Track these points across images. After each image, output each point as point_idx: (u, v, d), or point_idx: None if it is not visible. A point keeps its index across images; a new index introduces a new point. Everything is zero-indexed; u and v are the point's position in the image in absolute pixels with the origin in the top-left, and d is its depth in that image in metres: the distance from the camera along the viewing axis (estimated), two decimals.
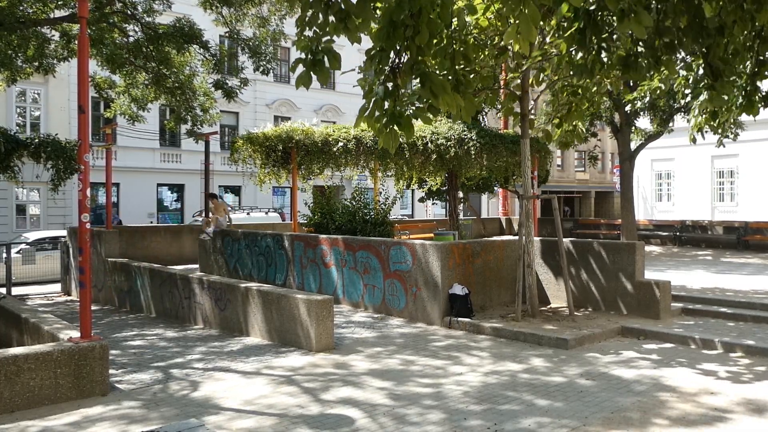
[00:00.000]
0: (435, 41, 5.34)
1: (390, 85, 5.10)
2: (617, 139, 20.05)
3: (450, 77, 6.06)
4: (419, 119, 5.37)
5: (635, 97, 15.80)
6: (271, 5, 16.09)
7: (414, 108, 5.37)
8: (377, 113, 5.12)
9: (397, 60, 5.13)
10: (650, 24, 4.94)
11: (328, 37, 4.87)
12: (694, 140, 8.66)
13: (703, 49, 5.95)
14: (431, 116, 5.41)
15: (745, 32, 5.79)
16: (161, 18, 15.70)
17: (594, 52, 5.56)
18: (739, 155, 28.91)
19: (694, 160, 30.57)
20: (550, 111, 10.04)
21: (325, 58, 4.89)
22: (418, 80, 5.18)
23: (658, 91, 9.35)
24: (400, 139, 5.26)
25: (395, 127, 5.08)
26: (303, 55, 4.95)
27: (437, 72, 6.09)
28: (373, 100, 5.11)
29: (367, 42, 5.00)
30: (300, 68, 4.97)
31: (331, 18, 4.73)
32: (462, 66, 6.32)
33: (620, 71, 6.10)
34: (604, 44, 5.49)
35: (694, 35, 5.54)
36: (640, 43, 5.72)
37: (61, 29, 14.87)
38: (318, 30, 4.82)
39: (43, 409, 5.66)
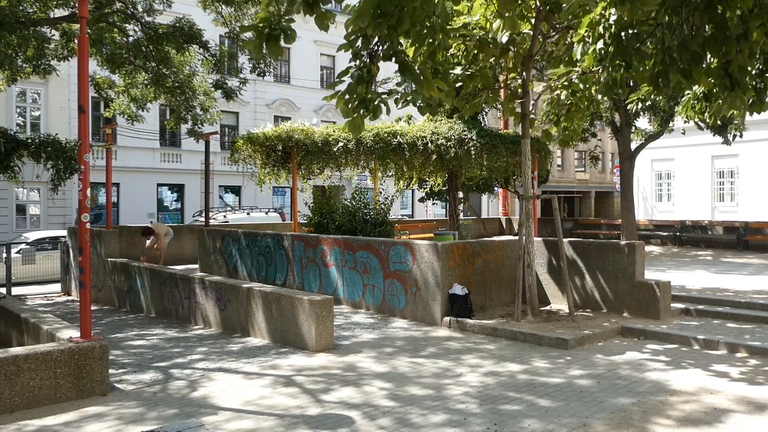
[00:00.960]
0: (416, 30, 5.37)
1: (365, 72, 5.14)
2: (617, 139, 20.05)
3: (429, 66, 6.09)
4: (384, 106, 5.44)
5: (637, 99, 15.80)
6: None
7: (386, 96, 5.42)
8: (348, 96, 5.17)
9: (376, 47, 5.16)
10: (656, 4, 4.89)
11: (290, 16, 4.89)
12: (683, 132, 8.63)
13: (724, 60, 5.90)
14: (420, 103, 5.51)
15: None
16: (161, 18, 15.70)
17: (621, 70, 5.56)
18: (739, 155, 28.90)
19: (694, 160, 30.57)
20: (550, 110, 10.04)
21: (281, 36, 4.91)
22: (397, 68, 5.22)
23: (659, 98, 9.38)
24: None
25: (362, 112, 5.12)
26: (261, 26, 4.96)
27: (418, 59, 6.13)
28: (347, 83, 5.15)
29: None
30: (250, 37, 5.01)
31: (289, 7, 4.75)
32: (441, 56, 6.34)
33: (650, 88, 6.10)
34: (628, 61, 5.49)
35: (717, 45, 5.51)
36: (668, 57, 5.68)
37: (61, 29, 14.87)
38: (282, 8, 4.83)
39: (43, 409, 5.66)
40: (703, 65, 5.82)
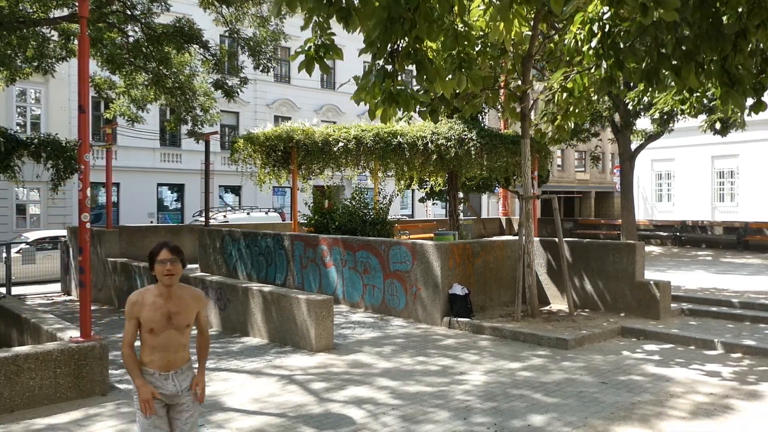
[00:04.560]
0: (434, 29, 5.42)
1: (389, 67, 5.17)
2: (617, 140, 20.06)
3: (454, 56, 6.12)
4: (416, 101, 5.45)
5: (634, 96, 15.84)
6: (270, 5, 16.08)
7: (410, 90, 5.44)
8: (376, 90, 5.21)
9: (395, 45, 5.20)
10: (678, 4, 4.89)
11: (330, 31, 4.99)
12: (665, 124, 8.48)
13: (719, 56, 5.90)
14: (427, 100, 5.56)
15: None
16: (161, 18, 15.70)
17: (614, 66, 5.57)
18: (739, 155, 28.91)
19: (694, 160, 30.57)
20: (547, 110, 10.03)
21: (327, 52, 5.04)
22: (414, 67, 5.25)
23: (674, 109, 9.37)
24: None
25: (393, 106, 5.18)
26: (306, 47, 5.11)
27: (441, 53, 6.17)
28: (371, 81, 5.18)
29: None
30: (301, 58, 5.16)
31: (331, 20, 4.81)
32: (465, 45, 6.37)
33: (643, 84, 6.10)
34: (621, 57, 5.51)
35: (712, 43, 5.51)
36: (658, 54, 5.69)
37: (60, 29, 14.87)
38: (319, 28, 4.93)
39: (43, 409, 5.66)
40: (696, 63, 5.82)
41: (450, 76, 5.99)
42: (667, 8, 4.76)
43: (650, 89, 6.15)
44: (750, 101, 6.53)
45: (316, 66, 5.21)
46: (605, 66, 5.64)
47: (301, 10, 4.90)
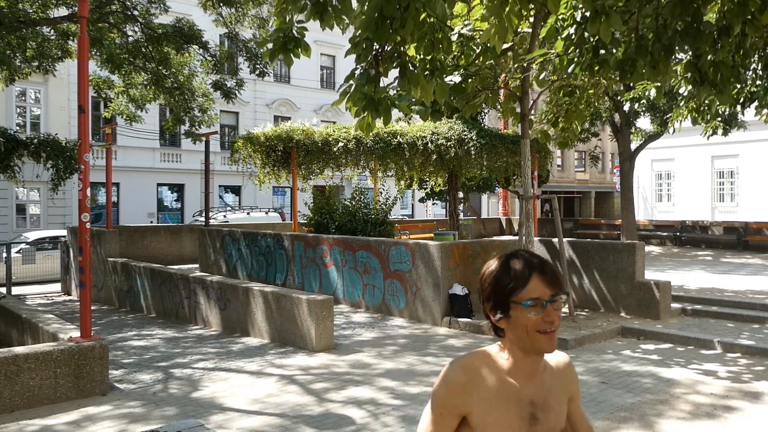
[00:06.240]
0: (419, 30, 5.41)
1: (372, 71, 5.16)
2: (617, 140, 20.07)
3: (428, 63, 6.13)
4: (398, 108, 5.45)
5: (632, 97, 15.86)
6: (270, 6, 16.08)
7: (392, 95, 5.43)
8: (356, 95, 5.20)
9: (380, 48, 5.19)
10: (619, 29, 4.95)
11: (302, 24, 4.96)
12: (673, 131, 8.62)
13: (695, 54, 5.92)
14: (409, 107, 5.55)
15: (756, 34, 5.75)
16: (161, 18, 15.70)
17: (590, 54, 5.56)
18: (739, 155, 28.91)
19: (694, 160, 30.57)
20: (548, 111, 10.04)
21: (297, 46, 5.01)
22: (398, 69, 5.25)
23: (654, 94, 9.31)
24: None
25: (373, 113, 5.16)
26: (276, 36, 5.08)
27: (417, 56, 6.18)
28: (354, 84, 5.17)
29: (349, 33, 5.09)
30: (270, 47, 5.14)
31: (301, 16, 4.80)
32: (441, 51, 6.38)
33: (618, 75, 6.10)
34: (599, 45, 5.51)
35: (690, 40, 5.53)
36: (637, 46, 5.70)
37: (59, 29, 14.86)
38: (295, 16, 4.92)
39: (43, 409, 5.66)
40: (673, 58, 5.84)
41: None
42: (610, 26, 4.81)
43: (623, 80, 6.14)
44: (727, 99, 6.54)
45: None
46: (581, 52, 5.63)
47: (276, 8, 4.89)
